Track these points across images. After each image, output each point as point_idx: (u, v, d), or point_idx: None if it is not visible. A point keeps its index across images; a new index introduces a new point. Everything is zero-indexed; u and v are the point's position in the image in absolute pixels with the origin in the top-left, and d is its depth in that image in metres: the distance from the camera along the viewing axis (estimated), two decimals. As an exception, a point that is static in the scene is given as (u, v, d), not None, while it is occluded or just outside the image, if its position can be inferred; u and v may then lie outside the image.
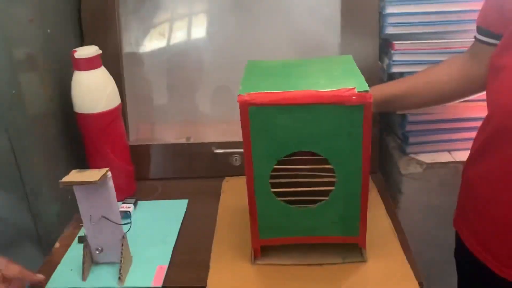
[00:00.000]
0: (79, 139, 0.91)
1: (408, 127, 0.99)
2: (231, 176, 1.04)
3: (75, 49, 0.84)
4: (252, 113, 0.64)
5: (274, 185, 0.70)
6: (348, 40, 0.99)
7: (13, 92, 0.73)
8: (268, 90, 0.65)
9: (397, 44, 0.94)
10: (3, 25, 0.70)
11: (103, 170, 0.69)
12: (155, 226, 0.86)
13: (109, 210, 0.72)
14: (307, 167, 0.69)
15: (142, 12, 1.03)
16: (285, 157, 0.68)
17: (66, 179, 0.68)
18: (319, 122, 0.65)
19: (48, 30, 0.85)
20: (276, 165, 0.68)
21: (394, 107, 0.91)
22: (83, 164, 0.95)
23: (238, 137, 1.02)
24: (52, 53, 0.87)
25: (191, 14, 1.05)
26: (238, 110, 0.64)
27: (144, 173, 1.03)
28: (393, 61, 0.95)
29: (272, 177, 0.69)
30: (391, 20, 0.94)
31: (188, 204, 0.94)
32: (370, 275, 0.73)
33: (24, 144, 0.78)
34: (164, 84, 1.06)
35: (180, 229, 0.86)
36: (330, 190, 0.70)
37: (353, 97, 0.62)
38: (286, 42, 1.02)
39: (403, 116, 1.00)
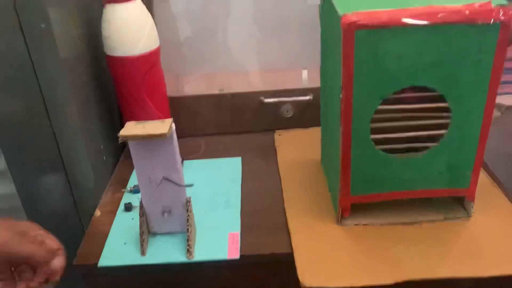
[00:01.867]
0: (110, 87, 0.77)
1: (484, 66, 0.87)
2: (281, 129, 0.91)
3: (106, -24, 0.68)
4: (360, 38, 0.51)
5: (373, 131, 0.58)
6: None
7: (42, 25, 0.58)
8: (375, 8, 0.51)
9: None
10: None
11: (167, 121, 0.56)
12: (213, 188, 0.74)
13: (172, 169, 0.59)
14: (417, 107, 0.57)
15: None
16: (392, 94, 0.55)
17: (125, 132, 0.54)
18: (440, 47, 0.52)
19: (72, -47, 0.69)
20: (380, 105, 0.56)
21: None
22: (116, 117, 0.81)
23: (286, 86, 0.91)
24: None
25: None
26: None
27: (182, 129, 0.89)
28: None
29: (372, 120, 0.57)
30: None
31: (242, 161, 0.81)
32: (480, 232, 0.62)
33: (56, 92, 0.63)
34: (196, 30, 0.91)
35: (241, 189, 0.74)
36: (441, 134, 0.58)
37: (492, 13, 0.49)
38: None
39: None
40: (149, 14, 0.73)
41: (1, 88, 0.61)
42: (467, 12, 0.50)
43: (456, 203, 0.66)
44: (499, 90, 0.90)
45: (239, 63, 0.94)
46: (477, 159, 0.60)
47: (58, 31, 0.62)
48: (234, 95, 0.90)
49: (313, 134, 0.81)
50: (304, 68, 0.95)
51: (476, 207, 0.65)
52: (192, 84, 0.97)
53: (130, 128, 0.55)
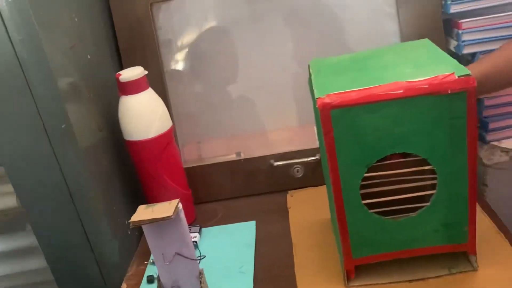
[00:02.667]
0: (131, 167, 0.84)
1: (486, 112, 0.89)
2: (293, 189, 0.95)
3: (119, 72, 0.77)
4: (336, 116, 0.56)
5: (364, 196, 0.61)
6: (407, 28, 0.90)
7: (63, 126, 0.67)
8: (349, 88, 0.56)
9: (465, 22, 0.85)
10: (47, 55, 0.64)
11: (174, 202, 0.61)
12: (227, 255, 0.79)
13: (183, 245, 0.64)
14: (402, 172, 0.60)
15: (178, 26, 0.96)
16: (375, 162, 0.59)
17: (135, 217, 0.60)
18: (414, 117, 0.56)
19: (88, 56, 0.79)
20: (366, 173, 0.59)
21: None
22: (139, 193, 0.88)
23: (297, 146, 0.96)
24: (94, 80, 0.80)
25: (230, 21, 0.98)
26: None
27: (200, 196, 0.96)
28: (463, 41, 0.85)
29: (361, 187, 0.61)
30: (454, -4, 0.85)
31: (256, 225, 0.86)
32: (486, 285, 0.63)
33: (78, 180, 0.71)
34: (207, 99, 0.99)
35: (255, 255, 0.78)
36: (431, 195, 0.61)
37: (455, 84, 0.53)
38: (339, 40, 0.94)
39: (478, 100, 0.90)
40: (160, 100, 0.82)
41: (31, 179, 0.69)
42: (434, 84, 0.54)
43: (461, 256, 0.67)
44: (506, 134, 0.92)
45: (254, 124, 1.00)
46: (471, 215, 0.61)
47: (77, 127, 0.70)
48: (246, 160, 0.95)
49: (324, 193, 0.84)
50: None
51: (483, 258, 0.66)
52: (211, 150, 1.03)
53: (141, 213, 0.62)
